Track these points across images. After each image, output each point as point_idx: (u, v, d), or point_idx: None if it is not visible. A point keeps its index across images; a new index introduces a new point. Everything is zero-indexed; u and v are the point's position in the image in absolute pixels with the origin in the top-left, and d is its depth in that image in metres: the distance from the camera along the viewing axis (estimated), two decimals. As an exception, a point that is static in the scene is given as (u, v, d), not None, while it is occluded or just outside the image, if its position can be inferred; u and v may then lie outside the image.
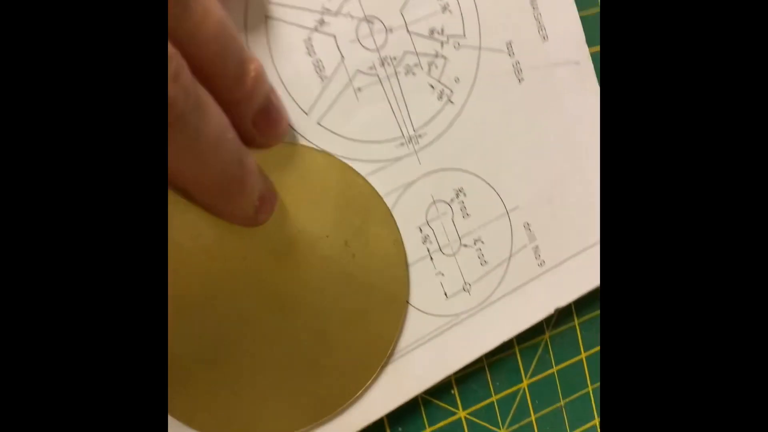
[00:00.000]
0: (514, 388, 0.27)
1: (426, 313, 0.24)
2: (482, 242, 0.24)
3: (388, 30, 0.22)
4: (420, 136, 0.23)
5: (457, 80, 0.23)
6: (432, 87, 0.23)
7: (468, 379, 0.26)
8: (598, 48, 0.26)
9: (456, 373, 0.25)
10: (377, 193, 0.22)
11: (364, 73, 0.22)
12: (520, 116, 0.24)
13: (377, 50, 0.22)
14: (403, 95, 0.22)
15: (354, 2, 0.21)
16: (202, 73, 0.17)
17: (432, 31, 0.23)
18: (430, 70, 0.23)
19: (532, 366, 0.27)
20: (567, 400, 0.28)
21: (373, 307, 0.22)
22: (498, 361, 0.26)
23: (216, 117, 0.17)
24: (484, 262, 0.24)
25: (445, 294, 0.24)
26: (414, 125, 0.23)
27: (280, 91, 0.21)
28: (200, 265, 0.20)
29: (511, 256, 0.25)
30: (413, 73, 0.23)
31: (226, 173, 0.18)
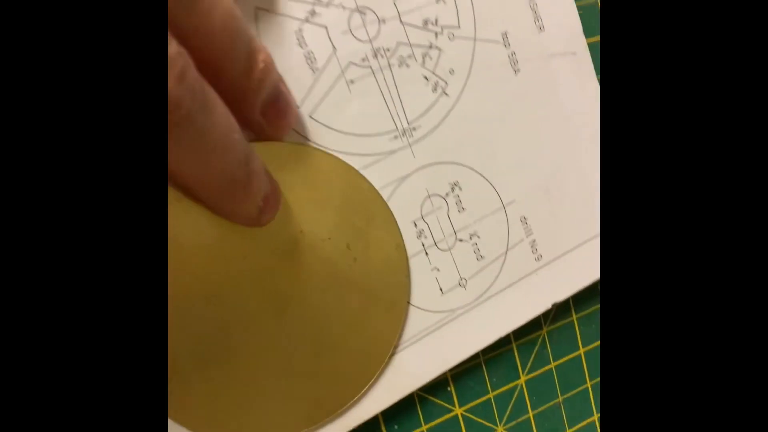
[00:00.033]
0: (512, 385, 0.26)
1: (421, 309, 0.23)
2: (478, 237, 0.24)
3: (381, 21, 0.21)
4: (414, 128, 0.23)
5: (451, 72, 0.23)
6: (426, 79, 0.23)
7: (464, 375, 0.25)
8: (595, 38, 0.26)
9: (452, 370, 0.25)
10: (381, 197, 0.22)
11: (356, 65, 0.21)
12: (516, 108, 0.24)
13: (370, 41, 0.21)
14: (396, 87, 0.22)
15: (345, -8, 0.21)
16: (210, 65, 0.16)
17: (426, 22, 0.22)
18: (424, 61, 0.22)
19: (530, 362, 0.27)
20: (565, 396, 0.27)
21: (372, 312, 0.22)
22: (495, 357, 0.26)
23: (223, 117, 0.17)
24: (480, 257, 0.24)
25: (441, 289, 0.23)
26: (408, 118, 0.22)
27: (271, 84, 0.20)
28: (199, 264, 0.20)
29: (507, 250, 0.24)
30: (407, 65, 0.22)
31: (231, 174, 0.18)
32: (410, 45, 0.22)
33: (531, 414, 0.27)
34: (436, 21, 0.22)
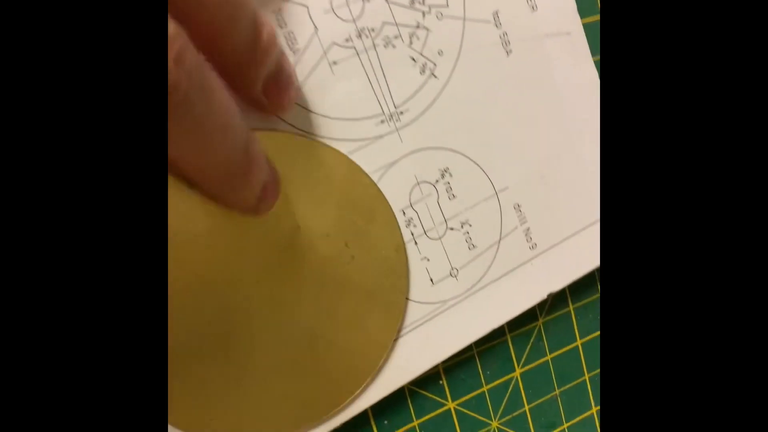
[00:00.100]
0: (506, 378, 0.26)
1: (411, 300, 0.22)
2: (470, 225, 0.23)
3: (365, -1, 0.21)
4: (402, 112, 0.22)
5: (440, 53, 0.22)
6: (414, 60, 0.22)
7: (457, 368, 0.25)
8: (590, 18, 0.25)
9: (444, 363, 0.24)
10: (383, 195, 0.22)
11: (339, 45, 0.21)
12: (508, 91, 0.23)
13: (353, 21, 0.21)
14: (382, 69, 0.21)
15: (327, -31, 0.20)
16: (211, 39, 0.16)
17: (413, 1, 0.21)
18: (411, 42, 0.21)
19: (525, 354, 0.26)
20: (562, 389, 0.27)
21: (369, 313, 0.22)
22: (489, 349, 0.25)
23: (222, 100, 0.16)
24: (472, 246, 0.23)
25: (431, 280, 0.23)
26: (395, 101, 0.22)
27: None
28: (191, 258, 0.19)
29: (500, 239, 0.24)
30: (393, 46, 0.21)
31: (230, 161, 0.17)
32: (396, 25, 0.21)
33: (527, 408, 0.26)
34: (424, 0, 0.21)
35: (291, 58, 0.20)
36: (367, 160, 0.21)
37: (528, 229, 0.24)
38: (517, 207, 0.24)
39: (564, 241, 0.25)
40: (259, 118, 0.20)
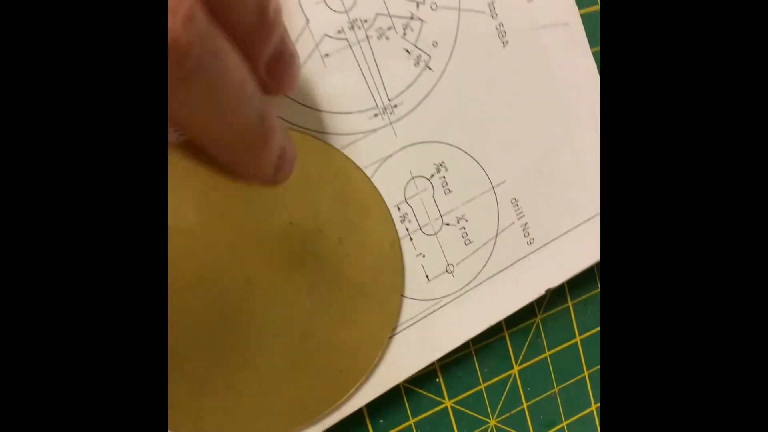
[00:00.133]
0: (504, 375, 0.25)
1: (407, 297, 0.22)
2: (466, 220, 0.23)
3: (357, -10, 0.20)
4: (396, 105, 0.21)
5: (435, 45, 0.21)
6: (408, 52, 0.21)
7: (454, 366, 0.24)
8: (588, 9, 0.24)
9: (440, 360, 0.24)
10: (377, 190, 0.21)
11: (331, 37, 0.20)
12: (504, 83, 0.23)
13: (346, 12, 0.20)
14: (375, 61, 0.21)
15: (318, -41, 0.19)
16: (218, 9, 0.15)
17: (406, -9, 0.21)
18: (405, 33, 0.21)
19: (523, 351, 0.26)
20: (561, 386, 0.26)
21: (363, 310, 0.21)
22: (486, 346, 0.25)
23: (236, 66, 0.15)
24: (468, 242, 0.23)
25: (427, 276, 0.22)
26: (389, 94, 0.21)
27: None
28: (180, 253, 0.19)
29: (497, 234, 0.23)
30: (387, 37, 0.21)
31: (248, 129, 0.16)
32: (390, 16, 0.21)
33: (525, 405, 0.26)
34: (417, -10, 0.21)
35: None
36: (361, 155, 0.21)
37: (525, 223, 0.23)
38: (514, 201, 0.23)
39: (562, 236, 0.24)
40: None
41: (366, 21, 0.20)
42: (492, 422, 0.25)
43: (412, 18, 0.21)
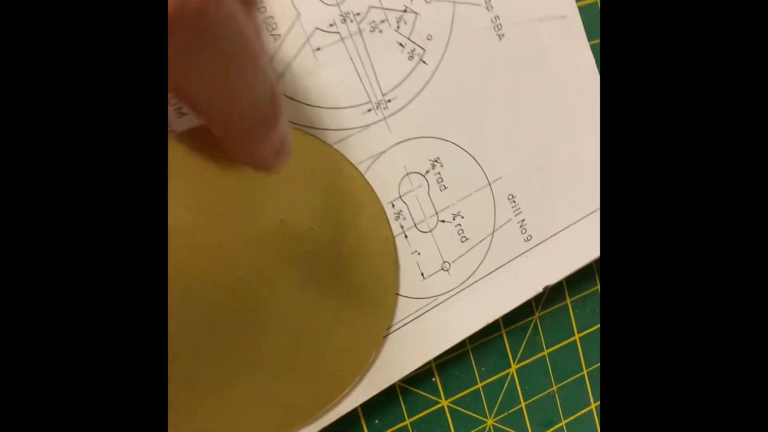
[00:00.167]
0: (502, 374, 0.25)
1: (402, 295, 0.22)
2: (462, 217, 0.22)
3: (349, -18, 0.20)
4: (389, 100, 0.21)
5: (429, 38, 0.21)
6: (401, 46, 0.21)
7: (450, 365, 0.24)
8: (585, 1, 0.24)
9: (437, 359, 0.24)
10: (371, 187, 0.21)
11: (323, 30, 0.20)
12: (501, 77, 0.22)
13: (338, 5, 0.20)
14: (368, 55, 0.20)
15: (308, -50, 0.19)
16: None
17: (399, -17, 0.20)
18: (398, 26, 0.21)
19: (521, 349, 0.25)
20: (560, 384, 0.26)
21: (357, 310, 0.21)
22: (483, 344, 0.24)
23: (252, 37, 0.14)
24: (464, 239, 0.22)
25: (422, 274, 0.22)
26: (382, 89, 0.21)
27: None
28: (173, 253, 0.18)
29: (494, 231, 0.23)
30: (380, 31, 0.20)
31: (258, 107, 0.16)
32: (383, 8, 0.20)
33: (523, 404, 0.25)
34: (411, -18, 0.21)
35: (271, 44, 0.19)
36: (354, 151, 0.21)
37: (522, 220, 0.23)
38: (511, 197, 0.23)
39: (560, 233, 0.24)
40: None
41: (358, 14, 0.20)
42: (489, 422, 0.25)
43: (405, 11, 0.21)
